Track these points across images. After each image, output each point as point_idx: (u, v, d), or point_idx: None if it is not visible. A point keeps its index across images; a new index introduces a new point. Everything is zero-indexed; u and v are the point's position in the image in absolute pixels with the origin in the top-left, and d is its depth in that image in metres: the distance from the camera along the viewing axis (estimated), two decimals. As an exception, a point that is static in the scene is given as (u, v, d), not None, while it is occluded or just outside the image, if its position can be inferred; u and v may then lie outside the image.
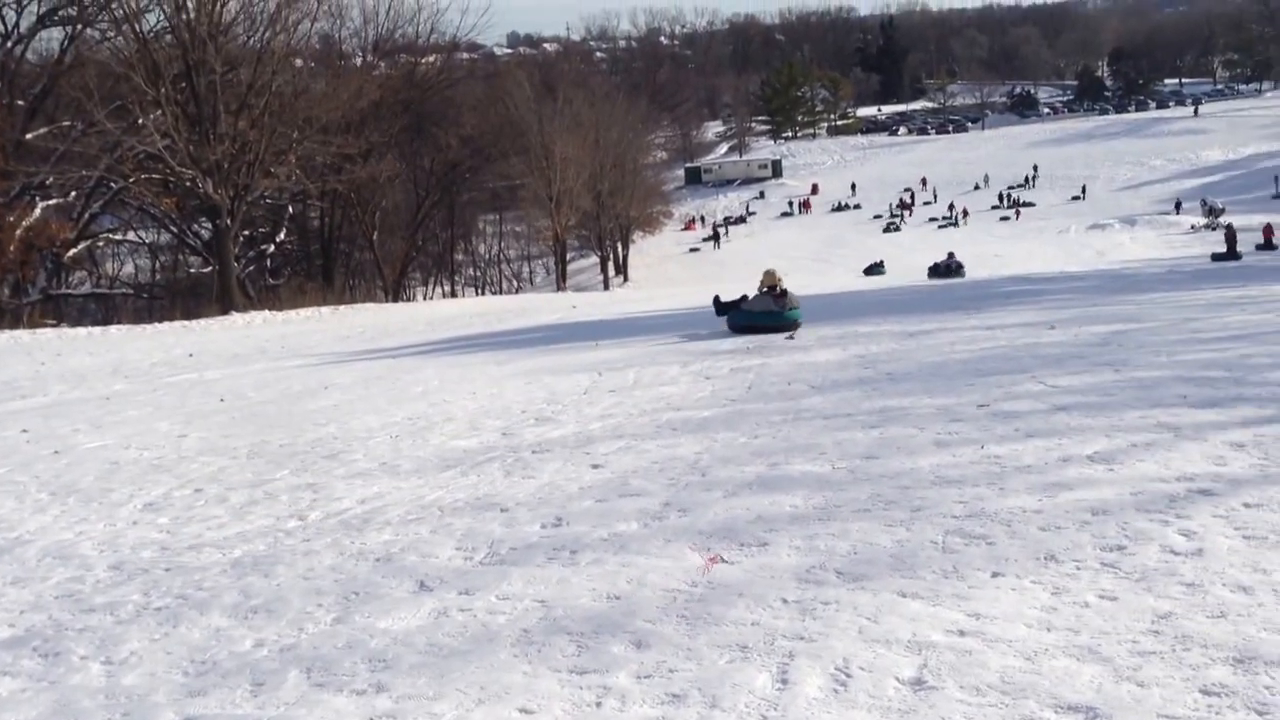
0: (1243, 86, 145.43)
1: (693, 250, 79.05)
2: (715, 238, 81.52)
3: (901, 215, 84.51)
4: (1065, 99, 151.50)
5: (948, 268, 38.67)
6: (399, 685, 4.51)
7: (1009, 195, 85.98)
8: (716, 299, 19.54)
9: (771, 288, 17.54)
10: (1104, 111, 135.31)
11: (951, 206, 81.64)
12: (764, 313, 17.42)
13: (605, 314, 28.17)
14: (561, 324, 25.62)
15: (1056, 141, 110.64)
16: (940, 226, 76.50)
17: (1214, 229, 53.93)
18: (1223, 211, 60.72)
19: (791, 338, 16.31)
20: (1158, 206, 75.10)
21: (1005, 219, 77.45)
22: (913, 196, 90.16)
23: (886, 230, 78.89)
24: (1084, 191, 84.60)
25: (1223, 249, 35.38)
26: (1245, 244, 41.43)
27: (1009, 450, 7.39)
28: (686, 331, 18.71)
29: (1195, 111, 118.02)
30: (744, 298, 18.49)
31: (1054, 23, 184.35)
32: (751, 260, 65.89)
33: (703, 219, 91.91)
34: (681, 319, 22.85)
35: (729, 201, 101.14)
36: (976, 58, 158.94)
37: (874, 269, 53.45)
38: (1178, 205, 71.28)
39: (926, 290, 25.91)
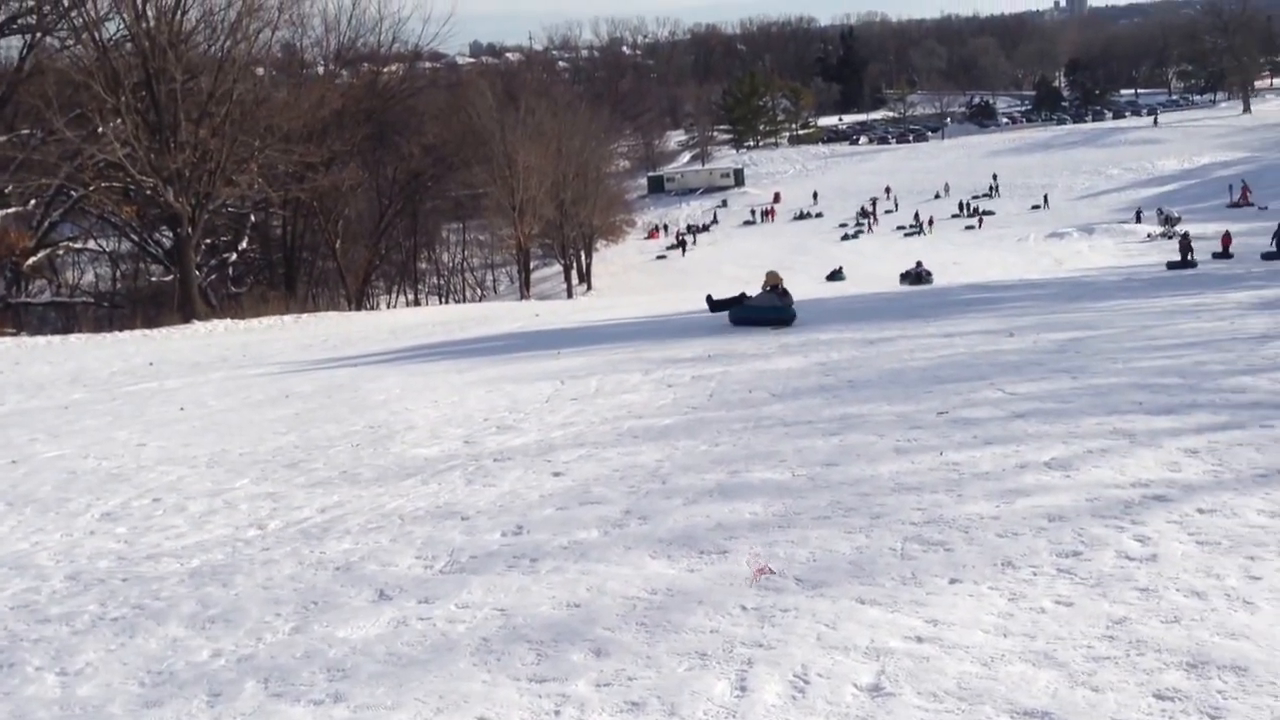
0: (1197, 97, 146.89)
1: (660, 257, 79.04)
2: (681, 245, 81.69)
3: (865, 224, 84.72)
4: (1023, 109, 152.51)
5: (918, 275, 40.80)
6: (357, 695, 4.51)
7: (969, 204, 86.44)
8: (709, 297, 21.12)
9: (774, 286, 19.13)
10: (1061, 121, 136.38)
11: (917, 215, 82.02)
12: (770, 307, 18.91)
13: (568, 322, 28.11)
14: (524, 332, 25.55)
15: (1015, 151, 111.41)
16: (907, 234, 76.86)
17: (1170, 238, 54.52)
18: (1179, 220, 61.33)
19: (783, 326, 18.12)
20: (1115, 215, 75.72)
21: (969, 227, 77.90)
22: (874, 205, 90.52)
23: (845, 239, 79.25)
24: (1046, 200, 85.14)
25: (1178, 257, 35.78)
26: (1202, 252, 41.91)
27: (967, 457, 7.44)
28: (649, 339, 18.72)
29: (1155, 121, 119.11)
30: (743, 295, 20.13)
31: (1011, 34, 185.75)
32: (714, 268, 66.12)
33: (665, 227, 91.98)
34: (644, 327, 22.84)
35: (691, 210, 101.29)
36: (935, 68, 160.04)
37: (835, 275, 55.38)
38: (1138, 214, 71.85)
39: (886, 297, 26.03)
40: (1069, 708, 3.85)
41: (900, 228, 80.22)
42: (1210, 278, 25.20)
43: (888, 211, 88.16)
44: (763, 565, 5.64)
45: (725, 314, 19.42)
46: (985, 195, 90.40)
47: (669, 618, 5.01)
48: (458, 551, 6.39)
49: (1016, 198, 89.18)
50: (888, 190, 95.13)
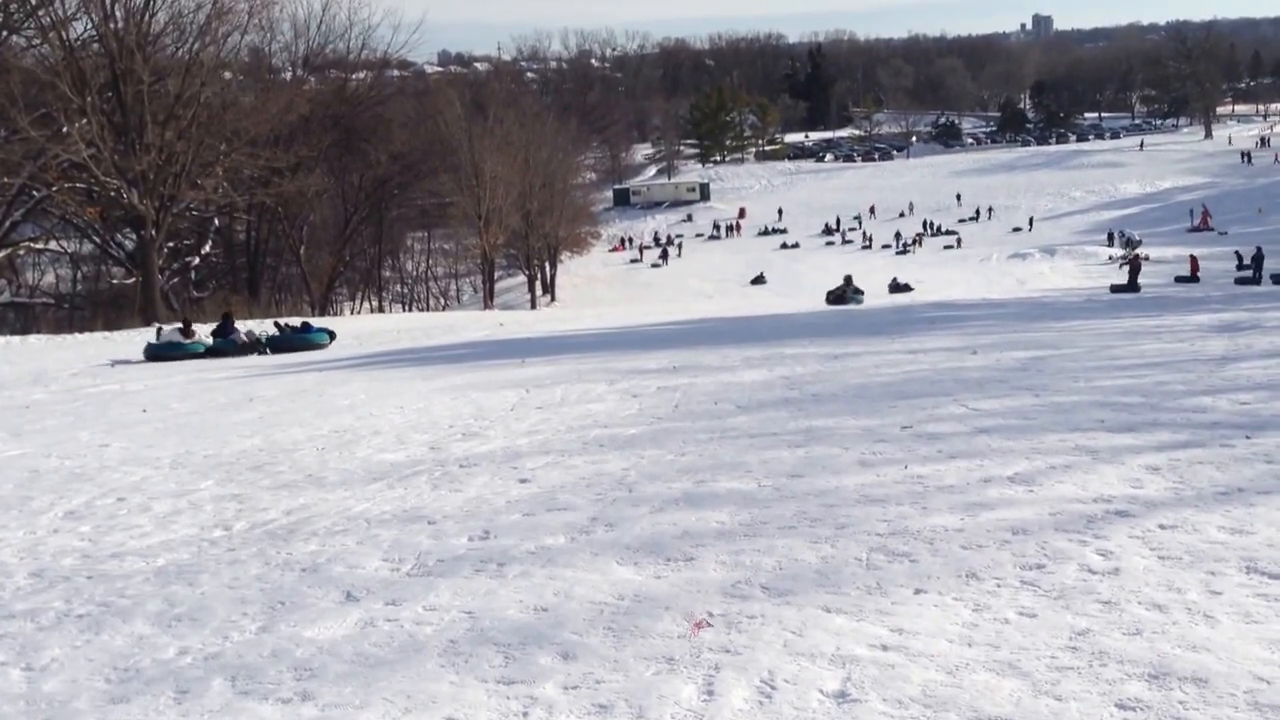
0: (1159, 122, 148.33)
1: (654, 265, 79.06)
2: (664, 255, 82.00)
3: (863, 238, 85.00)
4: (988, 130, 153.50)
5: (904, 286, 47.04)
6: (325, 694, 4.51)
7: (932, 223, 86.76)
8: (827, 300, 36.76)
9: (849, 284, 37.20)
10: (1026, 143, 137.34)
11: (898, 235, 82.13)
12: (853, 294, 36.12)
13: (532, 332, 28.14)
14: (489, 341, 25.57)
15: (979, 171, 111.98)
16: (897, 253, 77.06)
17: (1128, 260, 55.12)
18: (1139, 244, 61.85)
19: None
20: (1077, 237, 76.28)
21: (949, 247, 78.09)
22: (839, 222, 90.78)
23: (784, 248, 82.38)
24: (1031, 224, 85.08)
25: (1124, 280, 36.06)
26: (1163, 275, 42.38)
27: (932, 470, 7.51)
28: (614, 350, 18.76)
29: (1141, 145, 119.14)
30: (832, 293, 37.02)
31: (978, 55, 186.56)
32: (679, 282, 66.38)
33: (630, 240, 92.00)
34: (609, 338, 22.92)
35: (657, 223, 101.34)
36: (902, 87, 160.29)
37: (758, 280, 63.89)
38: (1110, 236, 72.15)
39: (849, 314, 26.20)
40: (1032, 716, 3.90)
41: (887, 246, 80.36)
42: (1171, 300, 25.48)
43: (850, 229, 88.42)
44: (700, 620, 5.53)
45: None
46: (971, 219, 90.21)
47: (636, 623, 5.04)
48: (425, 555, 6.40)
49: (997, 220, 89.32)
50: (872, 210, 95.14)
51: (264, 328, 28.12)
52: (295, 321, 28.82)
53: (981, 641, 4.59)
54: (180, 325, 26.47)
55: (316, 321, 31.97)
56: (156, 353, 24.46)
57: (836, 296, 36.80)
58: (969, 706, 4.00)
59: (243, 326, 27.65)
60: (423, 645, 4.95)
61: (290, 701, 4.47)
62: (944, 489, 7.03)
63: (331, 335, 27.21)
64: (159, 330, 26.97)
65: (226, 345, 25.34)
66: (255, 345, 25.76)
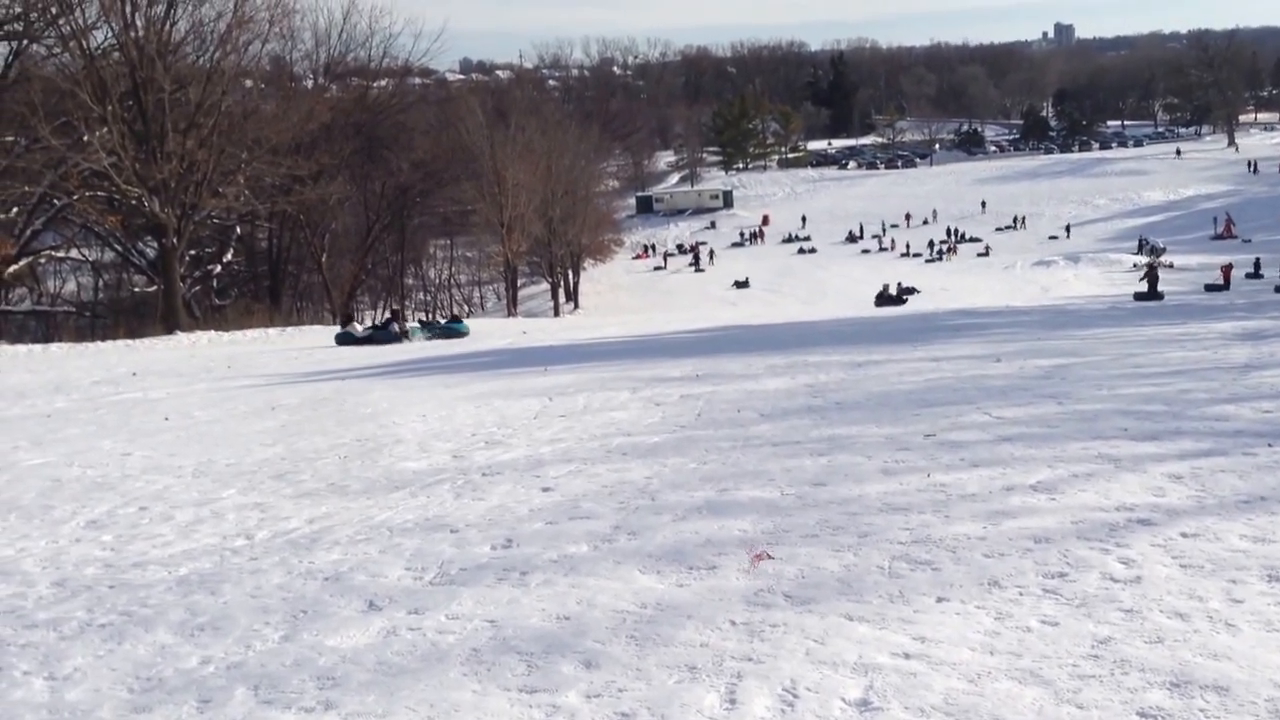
0: (1182, 130, 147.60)
1: (699, 271, 79.26)
2: (696, 260, 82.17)
3: (891, 244, 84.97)
4: (1011, 137, 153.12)
5: (910, 289, 50.51)
6: (348, 703, 4.52)
7: (958, 230, 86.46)
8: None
9: (887, 289, 43.75)
10: (1049, 150, 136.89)
11: (932, 243, 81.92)
12: (895, 299, 41.44)
13: (555, 340, 28.17)
14: (512, 349, 25.59)
15: (1003, 179, 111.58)
16: (928, 260, 76.93)
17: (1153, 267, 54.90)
18: (1164, 251, 61.61)
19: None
20: (1101, 245, 76.02)
21: (980, 254, 77.83)
22: (862, 230, 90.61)
23: (800, 253, 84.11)
24: (1068, 231, 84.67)
25: (1145, 288, 36.01)
26: (1187, 283, 42.27)
27: (954, 479, 7.50)
28: (636, 358, 18.76)
29: (1177, 152, 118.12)
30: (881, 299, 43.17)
31: (1000, 63, 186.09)
32: (701, 289, 66.33)
33: (653, 247, 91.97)
34: (632, 346, 22.91)
35: (680, 231, 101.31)
36: (925, 95, 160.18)
37: (741, 284, 67.45)
38: (1140, 244, 71.77)
39: (873, 322, 26.16)
40: (1054, 725, 3.90)
41: (918, 254, 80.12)
42: (1194, 308, 25.36)
43: (875, 236, 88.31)
44: (760, 551, 5.68)
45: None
46: (1009, 227, 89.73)
47: (659, 631, 5.04)
48: (447, 563, 6.41)
49: (1031, 229, 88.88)
50: (908, 217, 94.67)
51: (413, 324, 35.54)
52: (441, 320, 40.83)
53: (1003, 650, 4.59)
54: (344, 319, 35.72)
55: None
56: (341, 340, 30.84)
57: (891, 298, 43.98)
58: (991, 715, 4.00)
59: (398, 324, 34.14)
60: (445, 654, 4.97)
61: (313, 711, 4.49)
62: (966, 497, 7.02)
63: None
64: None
65: (383, 336, 31.30)
66: (406, 335, 32.12)
